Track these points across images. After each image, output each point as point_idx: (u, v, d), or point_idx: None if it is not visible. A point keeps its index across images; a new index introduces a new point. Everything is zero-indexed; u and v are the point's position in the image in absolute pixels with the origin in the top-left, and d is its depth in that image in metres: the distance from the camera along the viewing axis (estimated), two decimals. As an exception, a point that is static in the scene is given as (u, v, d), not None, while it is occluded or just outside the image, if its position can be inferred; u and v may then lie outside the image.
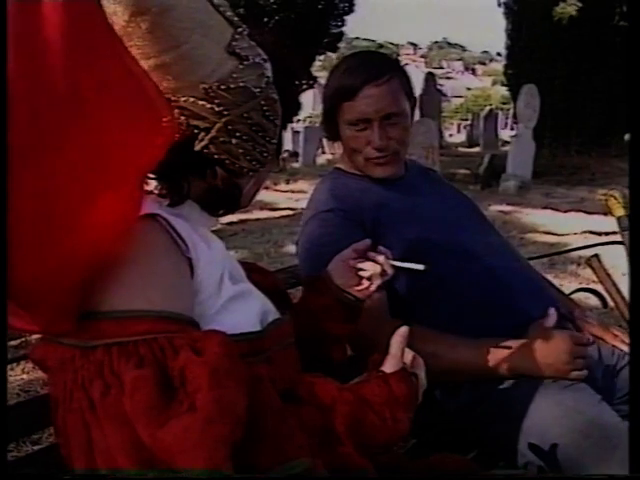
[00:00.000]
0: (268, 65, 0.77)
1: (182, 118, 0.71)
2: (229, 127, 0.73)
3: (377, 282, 1.01)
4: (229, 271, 0.83)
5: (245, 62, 0.72)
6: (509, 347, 1.14)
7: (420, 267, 0.99)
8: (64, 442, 0.70)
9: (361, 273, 1.01)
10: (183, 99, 0.70)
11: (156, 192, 0.80)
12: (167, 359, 0.66)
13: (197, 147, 0.73)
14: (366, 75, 1.25)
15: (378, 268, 0.99)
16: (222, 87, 0.70)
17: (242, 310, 0.80)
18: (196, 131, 0.73)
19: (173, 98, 0.70)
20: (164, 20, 0.66)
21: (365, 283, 1.01)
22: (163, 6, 0.65)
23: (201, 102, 0.70)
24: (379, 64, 1.29)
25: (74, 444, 0.68)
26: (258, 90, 0.74)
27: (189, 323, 0.72)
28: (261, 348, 0.80)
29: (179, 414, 0.62)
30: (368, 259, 1.01)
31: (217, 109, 0.71)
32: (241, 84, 0.72)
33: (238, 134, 0.74)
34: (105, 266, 0.67)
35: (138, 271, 0.69)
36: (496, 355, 1.14)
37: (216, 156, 0.75)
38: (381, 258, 1.00)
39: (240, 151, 0.76)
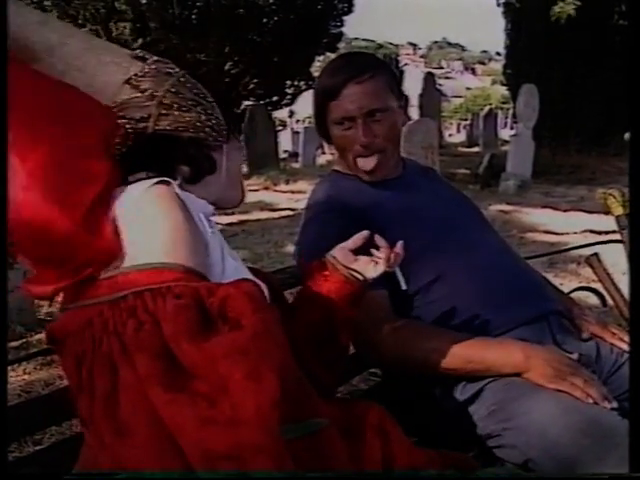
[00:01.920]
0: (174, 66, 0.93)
1: (130, 115, 0.85)
2: (165, 102, 0.87)
3: (383, 266, 1.06)
4: (227, 249, 0.89)
5: (149, 60, 0.89)
6: (509, 346, 1.15)
7: (403, 286, 1.12)
8: (88, 390, 0.69)
9: (370, 256, 1.07)
10: (120, 100, 0.85)
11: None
12: (203, 297, 0.70)
13: (150, 129, 0.86)
14: (348, 74, 1.27)
15: (383, 254, 1.06)
16: (140, 75, 0.86)
17: None
18: (144, 123, 0.85)
19: (113, 105, 0.85)
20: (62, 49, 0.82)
21: (372, 263, 1.07)
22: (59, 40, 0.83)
23: (133, 95, 0.85)
24: (361, 63, 1.30)
25: (98, 387, 0.68)
26: (173, 70, 0.90)
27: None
28: None
29: (223, 334, 0.67)
30: (372, 245, 1.07)
31: (147, 93, 0.86)
32: (154, 67, 0.88)
33: (176, 105, 0.87)
34: (130, 223, 0.74)
35: (163, 227, 0.75)
36: (494, 353, 1.14)
37: (169, 127, 0.87)
38: (384, 245, 1.06)
39: (187, 119, 0.88)
